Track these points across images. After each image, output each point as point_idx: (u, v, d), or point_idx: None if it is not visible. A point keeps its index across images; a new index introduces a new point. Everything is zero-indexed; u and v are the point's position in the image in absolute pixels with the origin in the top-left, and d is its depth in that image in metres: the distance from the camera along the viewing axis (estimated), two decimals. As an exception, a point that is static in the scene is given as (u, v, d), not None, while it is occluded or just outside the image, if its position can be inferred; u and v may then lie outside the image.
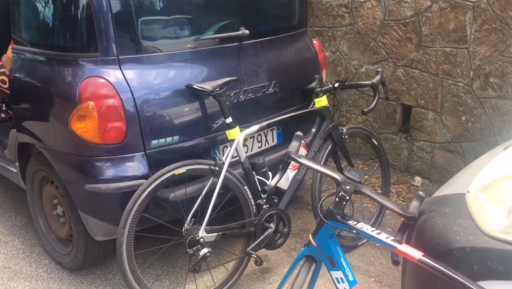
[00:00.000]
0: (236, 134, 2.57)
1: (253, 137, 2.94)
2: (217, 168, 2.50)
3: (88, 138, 2.28)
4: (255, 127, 2.65)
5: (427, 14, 3.61)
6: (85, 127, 2.27)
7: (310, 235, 1.70)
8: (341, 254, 1.67)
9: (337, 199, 1.59)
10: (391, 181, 4.01)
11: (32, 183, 2.88)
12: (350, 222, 1.59)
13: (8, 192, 3.69)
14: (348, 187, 1.58)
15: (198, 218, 2.51)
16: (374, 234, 1.54)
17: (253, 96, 2.83)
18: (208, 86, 2.44)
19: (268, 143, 3.06)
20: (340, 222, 1.60)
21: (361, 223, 1.58)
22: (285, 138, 3.17)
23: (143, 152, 2.40)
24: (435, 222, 1.64)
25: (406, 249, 1.48)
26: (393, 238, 1.52)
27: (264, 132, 3.01)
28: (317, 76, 3.15)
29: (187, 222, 2.52)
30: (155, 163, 2.44)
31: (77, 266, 2.73)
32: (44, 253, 2.94)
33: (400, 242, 1.51)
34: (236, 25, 2.75)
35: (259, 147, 3.01)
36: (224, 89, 2.53)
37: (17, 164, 2.93)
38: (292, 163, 2.85)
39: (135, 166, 2.39)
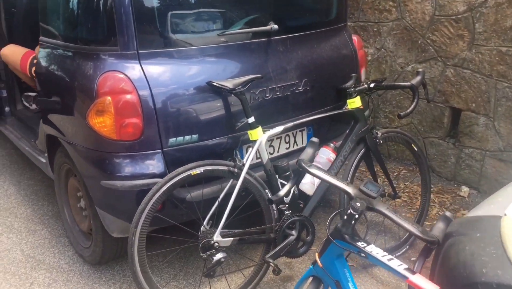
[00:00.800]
0: (258, 135, 2.43)
1: (280, 138, 2.80)
2: (236, 170, 2.38)
3: (104, 133, 2.23)
4: (279, 128, 2.50)
5: (482, 10, 3.28)
6: (102, 123, 2.22)
7: (316, 254, 1.54)
8: (349, 278, 1.50)
9: (345, 216, 1.42)
10: (435, 190, 3.73)
11: (59, 174, 2.91)
12: (359, 244, 1.42)
13: (44, 180, 3.78)
14: (358, 204, 1.41)
15: (215, 220, 2.42)
16: (384, 259, 1.36)
17: (281, 94, 2.68)
18: (228, 83, 2.32)
19: (297, 145, 2.91)
20: (348, 242, 1.43)
21: (372, 246, 1.41)
22: (317, 139, 2.99)
23: (160, 150, 2.32)
24: (462, 248, 1.44)
25: (419, 280, 1.29)
26: (406, 266, 1.34)
27: (293, 133, 2.85)
28: (354, 75, 2.94)
29: (203, 224, 2.43)
30: (173, 161, 2.36)
31: (95, 260, 2.72)
32: (69, 245, 2.97)
33: (413, 272, 1.32)
34: (265, 19, 2.61)
35: (287, 148, 2.86)
36: (246, 87, 2.40)
37: (46, 154, 2.96)
38: (320, 163, 2.71)
39: (152, 163, 2.32)
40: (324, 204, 2.64)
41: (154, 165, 2.32)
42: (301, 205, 2.63)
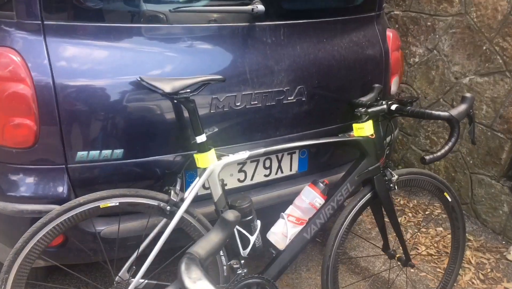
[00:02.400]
0: (209, 161, 1.69)
1: (257, 161, 2.04)
2: (169, 207, 1.66)
3: (-17, 134, 1.58)
4: (243, 154, 1.74)
5: None
6: (-18, 119, 1.57)
7: None
8: None
9: None
10: (474, 245, 2.83)
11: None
12: None
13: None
14: None
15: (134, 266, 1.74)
16: None
17: (260, 105, 1.90)
18: (166, 85, 1.58)
19: (282, 172, 2.13)
20: None
21: None
22: (312, 166, 2.21)
23: (64, 166, 1.64)
24: None
25: None
26: None
27: (277, 156, 2.08)
28: (377, 86, 2.11)
29: (119, 274, 1.76)
30: (83, 183, 1.69)
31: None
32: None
33: None
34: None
35: (266, 176, 2.09)
36: (196, 92, 1.65)
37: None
38: (296, 214, 1.93)
39: (49, 183, 1.65)
40: (289, 265, 1.88)
41: (53, 185, 1.65)
42: (273, 254, 1.89)
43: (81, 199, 1.58)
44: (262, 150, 1.78)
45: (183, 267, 0.85)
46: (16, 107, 1.54)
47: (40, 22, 1.56)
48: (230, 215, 1.02)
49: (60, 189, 1.65)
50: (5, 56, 1.54)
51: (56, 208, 1.58)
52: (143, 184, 1.76)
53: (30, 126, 1.57)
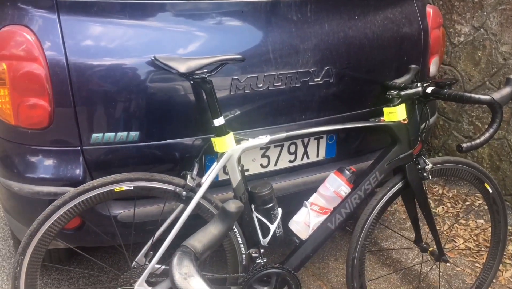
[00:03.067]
0: (227, 145, 1.61)
1: (282, 145, 1.94)
2: (185, 192, 1.60)
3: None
4: (264, 139, 1.65)
5: None
6: (-1, 99, 1.55)
7: None
8: None
9: None
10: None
11: None
12: None
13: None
14: None
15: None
16: None
17: (284, 87, 1.80)
18: (180, 64, 1.50)
19: (308, 158, 2.03)
20: None
21: None
22: (341, 152, 2.09)
23: (79, 147, 1.60)
24: None
25: None
26: None
27: (303, 141, 1.97)
28: (413, 67, 1.95)
29: (135, 260, 1.73)
30: (99, 165, 1.65)
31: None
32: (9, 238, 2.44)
33: None
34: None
35: (290, 162, 1.99)
36: (213, 72, 1.56)
37: None
38: (319, 203, 1.82)
39: (65, 165, 1.62)
40: (312, 255, 1.78)
41: (68, 167, 1.62)
42: (297, 242, 1.80)
43: (95, 182, 1.54)
44: (284, 134, 1.67)
45: (175, 261, 0.78)
46: (30, 87, 1.51)
47: (53, -1, 1.51)
48: (232, 205, 0.93)
49: (75, 171, 1.62)
50: (19, 35, 1.50)
51: (70, 190, 1.55)
52: (161, 168, 1.71)
53: (44, 106, 1.53)
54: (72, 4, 1.53)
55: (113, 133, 1.61)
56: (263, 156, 1.92)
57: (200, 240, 0.82)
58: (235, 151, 1.62)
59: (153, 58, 1.55)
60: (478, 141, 1.58)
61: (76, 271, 2.20)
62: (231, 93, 1.72)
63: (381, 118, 1.80)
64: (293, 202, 1.89)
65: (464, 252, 2.54)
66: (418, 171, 1.79)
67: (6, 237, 2.41)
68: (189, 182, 1.60)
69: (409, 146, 1.78)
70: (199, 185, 1.62)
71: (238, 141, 1.64)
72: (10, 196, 1.68)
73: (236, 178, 1.64)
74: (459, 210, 2.89)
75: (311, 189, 1.89)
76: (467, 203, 2.97)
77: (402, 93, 1.71)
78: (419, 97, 1.75)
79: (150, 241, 1.74)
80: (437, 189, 3.11)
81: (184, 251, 0.78)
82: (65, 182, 1.62)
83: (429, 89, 1.72)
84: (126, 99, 1.59)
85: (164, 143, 1.68)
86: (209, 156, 1.81)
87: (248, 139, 1.65)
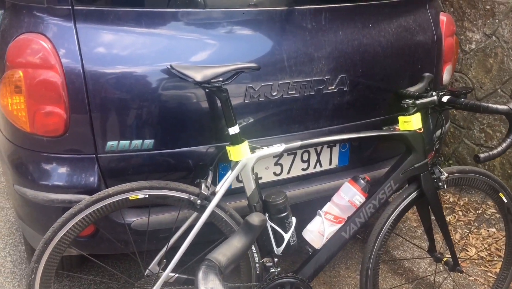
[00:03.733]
0: (242, 154, 1.60)
1: (295, 154, 1.93)
2: (199, 200, 1.60)
3: (15, 121, 1.57)
4: (278, 148, 1.64)
5: None
6: (12, 105, 1.55)
7: None
8: None
9: None
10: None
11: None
12: None
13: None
14: None
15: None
16: None
17: (298, 95, 1.79)
18: (196, 73, 1.50)
19: (321, 166, 2.02)
20: None
21: None
22: (354, 160, 2.08)
23: (94, 155, 1.60)
24: None
25: None
26: None
27: (316, 149, 1.97)
28: (427, 75, 1.94)
29: (149, 268, 1.73)
30: (113, 173, 1.65)
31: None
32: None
33: None
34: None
35: (303, 170, 1.98)
36: (228, 81, 1.56)
37: None
38: (334, 212, 1.81)
39: (79, 173, 1.62)
40: (325, 265, 1.77)
41: (83, 175, 1.62)
42: (309, 251, 1.79)
43: (110, 190, 1.54)
44: (298, 143, 1.67)
45: (200, 275, 0.77)
46: (46, 95, 1.51)
47: (70, 7, 1.51)
48: (255, 218, 0.92)
49: (90, 179, 1.62)
50: (36, 43, 1.51)
51: (86, 198, 1.55)
52: (175, 176, 1.71)
53: (60, 114, 1.53)
54: (88, 12, 1.53)
55: (128, 141, 1.61)
56: (276, 163, 1.91)
57: (224, 253, 0.81)
58: (250, 159, 1.61)
59: (169, 67, 1.55)
60: (495, 151, 1.57)
61: (87, 278, 2.19)
62: (245, 101, 1.71)
63: (395, 126, 1.79)
64: (305, 210, 1.88)
65: (476, 262, 2.52)
66: (433, 180, 1.78)
67: (17, 243, 2.41)
68: (204, 191, 1.60)
69: (425, 155, 1.77)
70: (213, 194, 1.61)
71: (252, 149, 1.63)
72: (25, 203, 1.68)
73: (250, 186, 1.64)
74: (471, 219, 2.87)
75: (324, 197, 1.89)
76: (478, 212, 2.94)
77: (418, 102, 1.70)
78: (435, 106, 1.74)
79: (164, 249, 1.73)
80: (448, 197, 3.08)
81: (208, 265, 0.77)
82: (80, 189, 1.62)
83: (444, 98, 1.71)
84: (141, 107, 1.59)
85: (178, 151, 1.68)
86: (223, 163, 1.80)
87: (262, 148, 1.64)
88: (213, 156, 1.72)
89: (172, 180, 1.63)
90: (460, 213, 2.92)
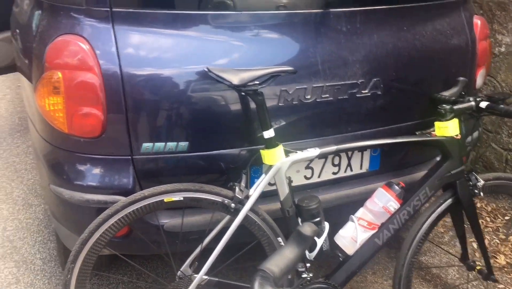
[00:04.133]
0: (277, 158, 1.59)
1: (326, 157, 1.91)
2: (233, 204, 1.59)
3: (52, 122, 1.58)
4: (313, 152, 1.63)
5: None
6: (50, 106, 1.56)
7: None
8: None
9: None
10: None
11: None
12: None
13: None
14: None
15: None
16: None
17: (331, 98, 1.77)
18: (233, 76, 1.49)
19: (352, 170, 2.00)
20: None
21: None
22: (384, 165, 2.05)
23: (130, 156, 1.61)
24: None
25: None
26: None
27: (347, 153, 1.95)
28: (461, 79, 1.91)
29: (181, 270, 1.73)
30: (147, 174, 1.65)
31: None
32: (54, 234, 2.47)
33: None
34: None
35: (334, 174, 1.97)
36: (265, 84, 1.55)
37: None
38: (367, 218, 1.79)
39: (115, 174, 1.62)
40: (358, 271, 1.75)
41: (118, 176, 1.63)
42: (341, 258, 1.78)
43: (146, 192, 1.55)
44: (333, 148, 1.65)
45: (256, 286, 0.76)
46: (84, 96, 1.52)
47: (108, 9, 1.52)
48: (307, 229, 0.92)
49: (125, 180, 1.63)
50: (74, 44, 1.52)
51: (122, 199, 1.56)
52: (207, 178, 1.71)
53: (97, 115, 1.54)
54: (126, 14, 1.54)
55: (163, 143, 1.61)
56: (307, 167, 1.90)
57: (277, 264, 0.80)
58: (284, 163, 1.60)
59: (205, 69, 1.55)
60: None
61: (115, 277, 2.21)
62: (279, 104, 1.70)
63: (430, 131, 1.77)
64: (335, 215, 1.87)
65: (505, 269, 2.47)
66: (469, 187, 1.75)
67: (46, 240, 2.44)
68: (238, 194, 1.60)
69: (461, 162, 1.74)
70: (247, 197, 1.61)
71: (286, 153, 1.62)
72: (60, 203, 1.70)
73: (284, 190, 1.63)
74: (499, 225, 2.82)
75: (354, 202, 1.87)
76: (506, 218, 2.89)
77: (455, 107, 1.68)
78: (472, 112, 1.71)
79: (196, 251, 1.73)
80: (475, 202, 3.03)
81: (263, 276, 0.76)
82: (115, 190, 1.62)
83: (483, 104, 1.68)
84: (176, 109, 1.60)
85: (212, 154, 1.68)
86: (254, 166, 1.80)
87: (296, 152, 1.63)
88: (246, 158, 1.71)
89: (204, 182, 1.63)
90: (487, 219, 2.88)
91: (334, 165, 1.96)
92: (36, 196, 2.74)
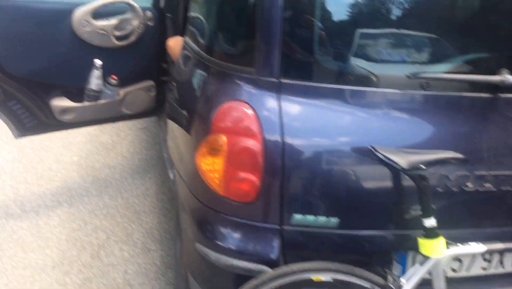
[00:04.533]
0: (437, 250, 1.47)
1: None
2: (385, 293, 1.49)
3: (209, 182, 1.61)
4: (477, 248, 1.49)
5: None
6: (209, 167, 1.60)
7: None
8: None
9: None
10: None
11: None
12: None
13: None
14: None
15: None
16: None
17: (494, 188, 1.64)
18: (401, 158, 1.43)
19: (503, 267, 1.80)
20: None
21: None
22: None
23: (278, 226, 1.58)
24: None
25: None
26: None
27: (498, 250, 1.77)
28: None
29: None
30: (293, 247, 1.61)
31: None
32: (170, 284, 2.48)
33: None
34: (492, 63, 1.61)
35: (484, 269, 1.79)
36: (430, 168, 1.46)
37: (175, 170, 2.50)
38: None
39: (262, 242, 1.60)
40: None
41: (265, 244, 1.59)
42: None
43: (294, 267, 1.50)
44: (501, 245, 1.51)
45: None
46: (245, 161, 1.54)
47: (277, 80, 1.55)
48: None
49: (271, 250, 1.59)
50: (240, 111, 1.55)
51: (270, 271, 1.52)
52: (351, 258, 1.61)
53: (254, 182, 1.54)
54: (292, 86, 1.55)
55: (314, 217, 1.57)
56: (455, 258, 1.75)
57: None
58: (445, 257, 1.48)
59: (370, 148, 1.50)
60: None
61: None
62: (438, 190, 1.60)
63: None
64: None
65: None
66: None
67: (160, 289, 2.46)
68: (390, 283, 1.49)
69: None
70: (399, 287, 1.49)
71: (446, 244, 1.50)
72: (203, 263, 1.69)
73: (440, 285, 1.50)
74: None
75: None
76: None
77: None
78: None
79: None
80: None
81: None
82: (260, 259, 1.59)
83: None
84: (330, 183, 1.55)
85: (362, 234, 1.60)
86: (399, 252, 1.68)
87: (457, 245, 1.50)
88: (399, 243, 1.61)
89: (347, 262, 1.54)
90: None
91: (484, 259, 1.78)
92: (154, 241, 2.81)
